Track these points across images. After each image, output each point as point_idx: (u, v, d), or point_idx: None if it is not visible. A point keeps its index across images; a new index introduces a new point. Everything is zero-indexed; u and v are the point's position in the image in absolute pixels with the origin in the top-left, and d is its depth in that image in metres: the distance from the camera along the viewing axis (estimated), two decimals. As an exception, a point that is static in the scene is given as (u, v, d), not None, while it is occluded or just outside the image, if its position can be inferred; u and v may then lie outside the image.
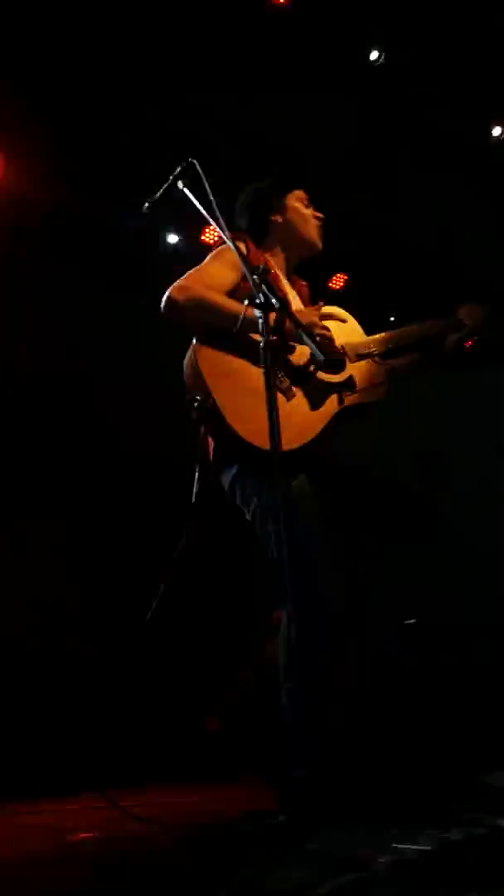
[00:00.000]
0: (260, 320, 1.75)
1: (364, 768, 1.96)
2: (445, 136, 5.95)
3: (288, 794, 1.52)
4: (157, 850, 1.79)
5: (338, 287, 5.60)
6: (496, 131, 5.94)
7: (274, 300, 1.77)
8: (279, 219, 2.36)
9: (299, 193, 2.40)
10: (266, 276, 1.82)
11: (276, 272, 2.27)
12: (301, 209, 2.38)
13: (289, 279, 2.35)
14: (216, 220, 1.92)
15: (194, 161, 2.03)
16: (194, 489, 1.91)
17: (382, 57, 5.58)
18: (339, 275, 5.57)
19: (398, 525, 5.93)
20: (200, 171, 2.00)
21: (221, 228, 1.91)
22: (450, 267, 6.48)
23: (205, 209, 1.96)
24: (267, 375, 1.71)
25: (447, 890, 1.16)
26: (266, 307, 1.75)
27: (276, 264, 2.31)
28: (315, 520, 2.03)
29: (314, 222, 2.38)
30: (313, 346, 1.77)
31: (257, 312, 1.76)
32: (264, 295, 1.77)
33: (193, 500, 1.88)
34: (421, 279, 6.09)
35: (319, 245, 2.39)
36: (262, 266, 1.84)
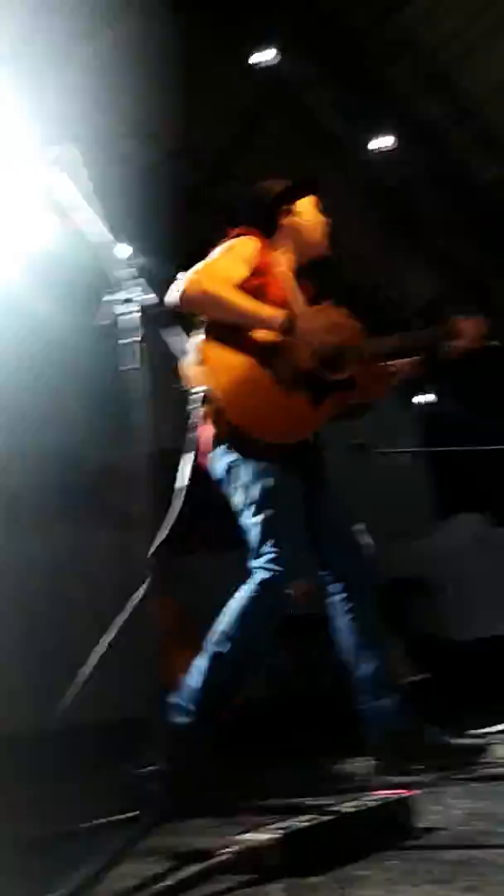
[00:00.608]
0: (135, 315, 1.75)
1: (214, 760, 1.99)
2: (329, 141, 6.09)
3: (139, 788, 1.50)
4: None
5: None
6: (375, 143, 6.15)
7: (150, 297, 1.77)
8: (290, 221, 2.40)
9: (311, 198, 2.45)
10: (144, 274, 1.83)
11: (285, 270, 2.33)
12: (312, 213, 2.43)
13: (296, 277, 2.39)
14: (93, 210, 1.88)
15: (72, 146, 1.97)
16: (185, 474, 1.95)
17: (277, 58, 5.66)
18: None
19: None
20: (80, 158, 1.94)
21: (96, 219, 1.86)
22: (322, 266, 6.62)
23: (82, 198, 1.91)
24: (143, 371, 1.73)
25: (289, 875, 1.18)
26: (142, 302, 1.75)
27: (284, 262, 2.36)
28: (300, 510, 2.16)
29: (322, 227, 2.43)
30: (174, 342, 1.82)
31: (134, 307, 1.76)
32: (141, 290, 1.77)
33: (184, 483, 1.92)
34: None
35: (325, 252, 2.45)
36: (138, 261, 1.86)
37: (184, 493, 1.88)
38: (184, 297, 2.09)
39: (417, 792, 1.67)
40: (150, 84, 5.02)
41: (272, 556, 2.07)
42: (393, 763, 2.12)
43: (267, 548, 2.08)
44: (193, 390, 2.08)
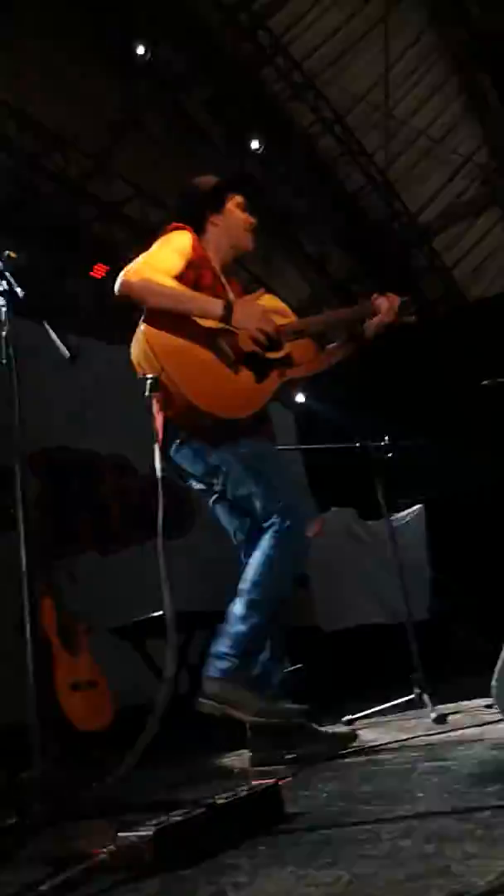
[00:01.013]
0: (2, 309, 1.84)
1: (94, 762, 2.02)
2: (203, 140, 6.16)
3: (22, 795, 1.51)
4: None
5: (98, 276, 5.65)
6: (254, 144, 6.27)
7: (18, 290, 1.86)
8: (217, 220, 2.49)
9: (238, 198, 2.53)
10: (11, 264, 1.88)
11: (215, 265, 2.43)
12: (238, 213, 2.51)
13: (224, 273, 2.49)
14: None
15: None
16: (158, 465, 2.00)
17: (150, 53, 5.66)
18: (99, 265, 5.65)
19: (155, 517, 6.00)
20: None
21: None
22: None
23: None
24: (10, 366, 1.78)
25: (165, 869, 1.24)
26: (10, 295, 1.85)
27: (214, 256, 2.46)
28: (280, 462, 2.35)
29: (247, 227, 2.52)
30: (57, 340, 1.89)
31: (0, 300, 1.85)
32: (8, 283, 1.86)
33: (160, 474, 1.97)
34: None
35: (250, 248, 2.56)
36: (5, 253, 1.91)
37: (162, 483, 1.95)
38: (126, 286, 2.19)
39: (288, 779, 1.78)
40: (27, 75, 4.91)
41: (279, 512, 2.18)
42: (268, 752, 2.22)
43: (270, 508, 2.19)
44: (143, 377, 2.14)
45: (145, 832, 1.28)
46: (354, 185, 6.70)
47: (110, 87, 5.84)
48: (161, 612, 3.70)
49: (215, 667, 2.14)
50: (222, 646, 2.16)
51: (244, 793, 1.46)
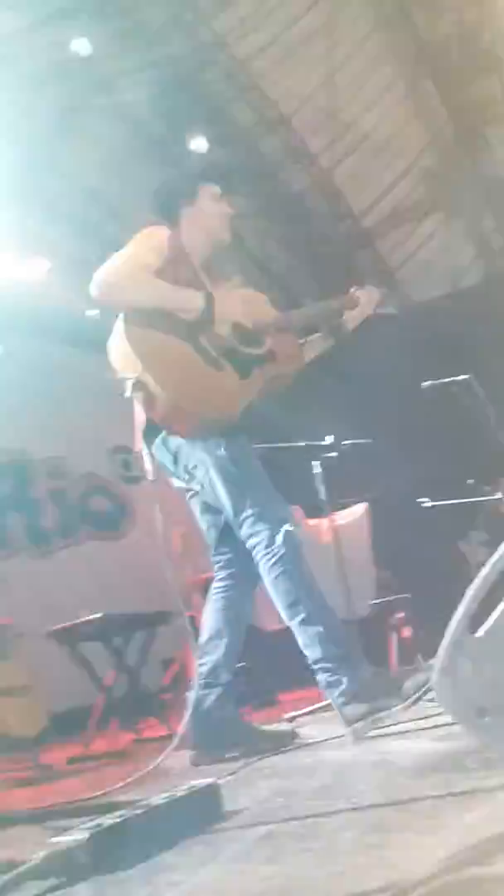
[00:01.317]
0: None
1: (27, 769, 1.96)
2: (146, 138, 6.10)
3: None
4: None
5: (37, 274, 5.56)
6: (194, 143, 6.23)
7: None
8: (191, 213, 2.42)
9: (212, 189, 2.46)
10: None
11: (192, 260, 2.37)
12: (212, 205, 2.45)
13: (204, 268, 2.43)
14: None
15: None
16: (148, 466, 1.97)
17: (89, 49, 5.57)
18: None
19: (93, 517, 5.94)
20: None
21: None
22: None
23: None
24: None
25: (98, 872, 1.20)
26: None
27: (191, 250, 2.40)
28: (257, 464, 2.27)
29: (222, 218, 2.46)
30: None
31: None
32: None
33: (152, 476, 1.96)
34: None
35: (225, 240, 2.50)
36: None
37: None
38: (104, 286, 2.16)
39: (228, 777, 1.76)
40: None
41: (254, 517, 2.14)
42: (209, 750, 2.19)
43: (246, 513, 2.15)
44: (124, 377, 2.10)
45: (79, 835, 1.24)
46: (299, 187, 6.73)
47: (49, 82, 5.73)
48: (98, 615, 3.67)
49: (336, 695, 2.08)
50: (323, 676, 2.11)
51: (182, 792, 1.43)
